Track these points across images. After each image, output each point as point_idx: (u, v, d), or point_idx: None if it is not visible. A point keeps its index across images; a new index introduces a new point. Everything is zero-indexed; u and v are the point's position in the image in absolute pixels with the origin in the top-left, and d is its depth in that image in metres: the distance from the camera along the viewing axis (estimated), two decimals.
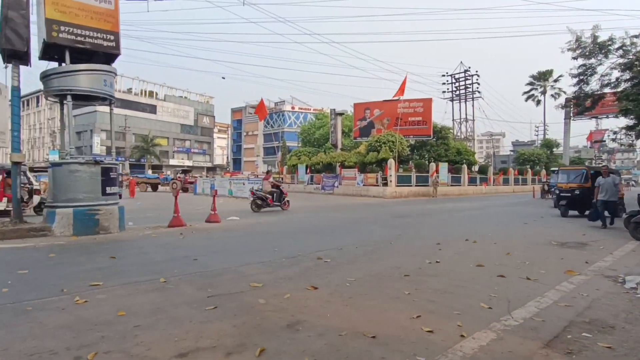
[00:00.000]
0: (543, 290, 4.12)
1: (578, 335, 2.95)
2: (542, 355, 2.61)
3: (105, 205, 8.22)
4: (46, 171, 11.51)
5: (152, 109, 66.55)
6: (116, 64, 9.20)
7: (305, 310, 3.43)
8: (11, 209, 9.04)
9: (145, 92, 66.95)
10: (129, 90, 64.31)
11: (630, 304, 3.74)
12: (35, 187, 11.65)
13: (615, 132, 22.44)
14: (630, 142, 23.07)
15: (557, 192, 13.90)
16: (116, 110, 10.16)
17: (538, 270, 5.02)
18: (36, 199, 11.58)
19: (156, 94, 68.59)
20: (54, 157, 10.56)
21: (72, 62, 8.35)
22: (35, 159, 67.22)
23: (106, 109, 9.93)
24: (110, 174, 8.46)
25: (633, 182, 77.95)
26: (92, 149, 53.35)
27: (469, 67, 44.30)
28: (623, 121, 21.49)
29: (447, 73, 45.75)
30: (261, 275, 4.72)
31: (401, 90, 26.41)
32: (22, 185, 11.31)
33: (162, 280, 4.39)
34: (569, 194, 12.86)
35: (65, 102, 8.60)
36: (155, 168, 63.70)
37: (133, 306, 3.50)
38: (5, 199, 10.66)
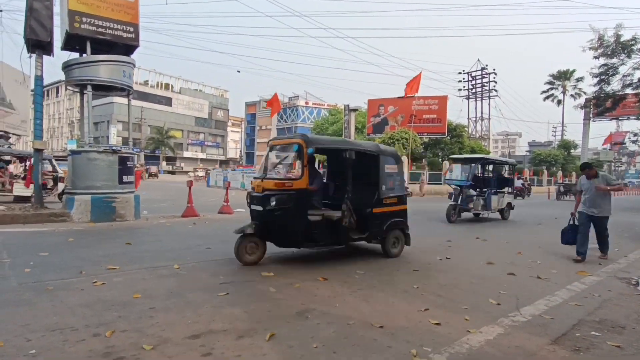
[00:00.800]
0: (553, 289, 4.10)
1: (587, 334, 2.95)
2: (549, 351, 2.62)
3: (122, 193, 8.42)
4: (65, 160, 11.86)
5: (168, 101, 67.39)
6: (133, 56, 9.37)
7: (315, 300, 3.50)
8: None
9: (161, 84, 67.79)
10: (146, 83, 65.18)
11: None
12: (60, 175, 12.03)
13: (636, 134, 21.91)
14: None
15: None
16: (133, 102, 10.36)
17: (549, 269, 4.99)
18: (61, 186, 11.94)
19: (172, 86, 69.40)
20: (73, 147, 10.97)
21: (93, 53, 8.56)
22: (54, 148, 68.78)
23: (123, 100, 10.14)
24: (127, 163, 8.66)
25: None
26: (108, 140, 54.32)
27: (486, 65, 43.55)
28: None
29: (463, 71, 45.04)
30: (272, 264, 4.80)
31: (415, 87, 26.15)
32: (47, 172, 11.71)
33: (176, 266, 4.51)
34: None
35: (85, 91, 8.81)
36: (170, 160, 64.61)
37: (148, 290, 3.62)
38: (32, 185, 11.05)
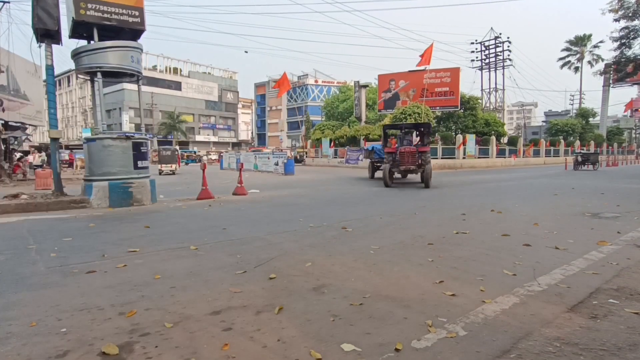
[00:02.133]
0: (570, 258, 4.07)
1: (604, 302, 2.94)
2: (566, 319, 2.63)
3: (138, 178, 8.59)
4: (81, 148, 12.12)
5: (177, 85, 67.51)
6: (140, 41, 9.35)
7: (330, 275, 3.56)
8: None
9: (170, 69, 67.75)
10: (154, 68, 65.26)
11: None
12: None
13: None
14: None
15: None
16: (143, 88, 10.40)
17: (566, 240, 4.94)
18: None
19: (180, 70, 69.34)
20: (88, 135, 11.23)
21: (100, 39, 8.57)
22: (69, 137, 70.04)
23: (133, 86, 10.21)
24: (141, 148, 8.78)
25: None
26: (121, 127, 55.11)
27: (500, 34, 42.05)
28: None
29: (476, 41, 43.67)
30: (288, 243, 4.88)
31: (427, 59, 25.50)
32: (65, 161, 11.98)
33: (193, 247, 4.62)
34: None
35: (95, 79, 8.87)
36: (182, 144, 65.23)
37: (168, 270, 3.73)
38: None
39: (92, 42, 8.68)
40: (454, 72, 32.55)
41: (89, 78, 9.53)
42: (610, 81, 37.94)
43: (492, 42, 42.66)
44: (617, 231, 5.49)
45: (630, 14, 16.98)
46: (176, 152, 26.19)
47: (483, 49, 43.39)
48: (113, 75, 9.39)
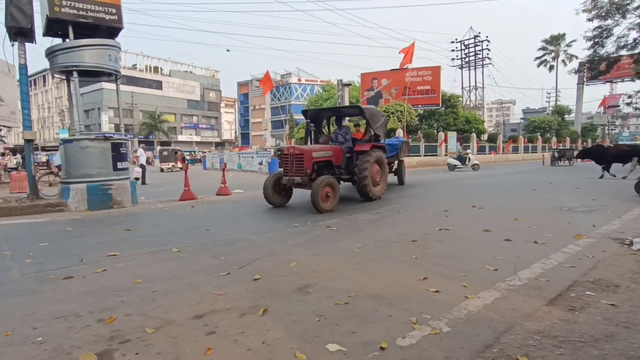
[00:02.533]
0: (549, 252, 4.17)
1: (582, 294, 3.02)
2: (545, 312, 2.69)
3: (118, 180, 8.39)
4: (58, 150, 11.77)
5: (158, 84, 66.25)
6: (120, 40, 9.13)
7: (315, 275, 3.55)
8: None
9: (150, 67, 66.43)
10: (134, 67, 63.87)
11: (637, 264, 3.77)
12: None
13: (630, 96, 21.88)
14: None
15: None
16: (122, 87, 10.17)
17: (545, 234, 5.06)
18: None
19: (161, 69, 68.07)
20: (65, 136, 10.83)
21: (76, 37, 8.34)
22: (45, 138, 67.96)
23: (112, 86, 10.01)
24: (120, 149, 8.58)
25: None
26: (100, 127, 53.71)
27: (479, 33, 42.86)
28: (639, 84, 20.87)
29: (456, 39, 44.35)
30: (272, 243, 4.85)
31: (409, 57, 25.76)
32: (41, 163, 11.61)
33: (176, 250, 4.54)
34: None
35: (71, 78, 8.62)
36: (164, 144, 64.11)
37: (149, 274, 3.66)
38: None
39: (67, 40, 8.42)
40: (435, 71, 32.94)
41: (64, 77, 9.26)
42: (584, 79, 39.09)
43: (472, 41, 43.42)
44: (592, 225, 5.65)
45: (603, 14, 17.51)
46: (177, 152, 30.94)
47: (463, 47, 44.10)
48: (90, 75, 9.15)
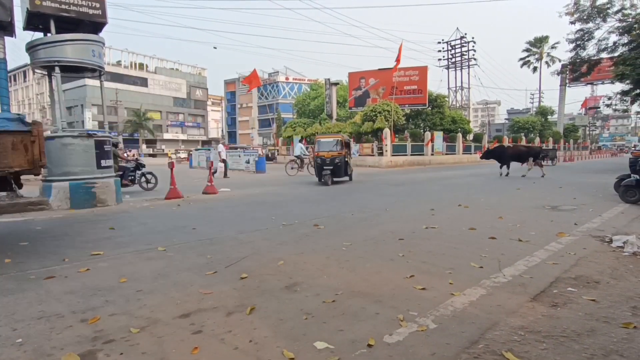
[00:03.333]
0: (532, 250, 4.25)
1: (564, 290, 3.09)
2: (529, 308, 2.74)
3: (101, 178, 8.22)
4: None
5: (143, 82, 65.18)
6: (104, 35, 8.94)
7: (303, 273, 3.55)
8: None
9: (135, 64, 65.33)
10: (119, 63, 62.73)
11: (617, 261, 3.87)
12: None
13: (610, 98, 22.44)
14: (625, 107, 23.08)
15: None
16: (106, 84, 9.98)
17: (528, 232, 5.16)
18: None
19: (146, 66, 67.01)
20: (46, 133, 10.51)
21: (58, 32, 8.13)
22: None
23: (96, 82, 9.80)
24: (104, 146, 8.41)
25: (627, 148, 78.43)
26: (84, 124, 52.55)
27: (465, 34, 43.38)
28: (619, 86, 21.45)
29: (442, 40, 44.82)
30: (259, 241, 4.82)
31: (398, 58, 25.96)
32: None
33: (161, 248, 4.48)
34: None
35: (53, 74, 8.41)
36: (150, 142, 63.16)
37: (135, 273, 3.60)
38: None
39: (49, 34, 8.21)
40: (422, 71, 33.23)
41: (46, 73, 9.02)
42: (567, 81, 39.93)
43: (458, 41, 43.91)
44: (574, 223, 5.79)
45: (584, 17, 17.93)
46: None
47: (449, 48, 44.57)
48: (73, 70, 8.93)
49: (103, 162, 8.33)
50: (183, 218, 6.77)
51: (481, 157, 17.76)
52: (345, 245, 4.56)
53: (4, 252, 4.43)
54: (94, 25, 8.61)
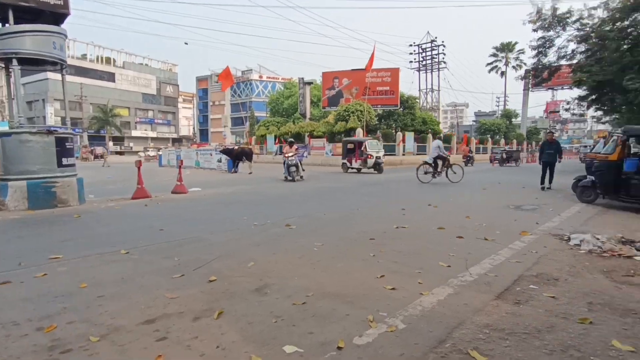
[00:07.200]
0: (497, 249, 4.40)
1: (526, 288, 3.21)
2: (494, 306, 2.82)
3: (62, 177, 7.84)
4: None
5: (110, 77, 62.82)
6: (68, 27, 8.53)
7: (274, 274, 3.51)
8: None
9: (102, 58, 62.86)
10: (84, 57, 60.15)
11: (574, 259, 4.07)
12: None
13: (568, 103, 23.58)
14: (582, 112, 24.32)
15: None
16: (70, 78, 9.51)
17: (494, 231, 5.33)
18: None
19: (114, 60, 64.60)
20: (4, 128, 9.77)
21: (17, 22, 7.69)
22: None
23: (58, 76, 9.25)
24: (66, 144, 8.03)
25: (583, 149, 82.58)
26: (45, 120, 50.01)
27: (436, 38, 44.52)
28: (577, 92, 22.57)
29: (414, 43, 45.78)
30: (230, 242, 4.74)
31: (371, 60, 26.25)
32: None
33: (123, 252, 4.30)
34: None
35: (11, 67, 7.93)
36: (117, 140, 60.92)
37: (96, 277, 3.44)
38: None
39: (7, 25, 7.75)
40: (394, 72, 33.78)
41: (3, 65, 8.50)
42: (530, 85, 41.68)
43: (429, 45, 44.97)
44: (535, 222, 6.04)
45: (546, 25, 18.74)
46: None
47: (420, 51, 45.59)
48: (32, 63, 8.47)
49: (64, 161, 7.94)
50: (150, 218, 6.55)
51: (221, 152, 20.07)
52: (317, 245, 4.55)
53: None
54: (56, 16, 8.20)
